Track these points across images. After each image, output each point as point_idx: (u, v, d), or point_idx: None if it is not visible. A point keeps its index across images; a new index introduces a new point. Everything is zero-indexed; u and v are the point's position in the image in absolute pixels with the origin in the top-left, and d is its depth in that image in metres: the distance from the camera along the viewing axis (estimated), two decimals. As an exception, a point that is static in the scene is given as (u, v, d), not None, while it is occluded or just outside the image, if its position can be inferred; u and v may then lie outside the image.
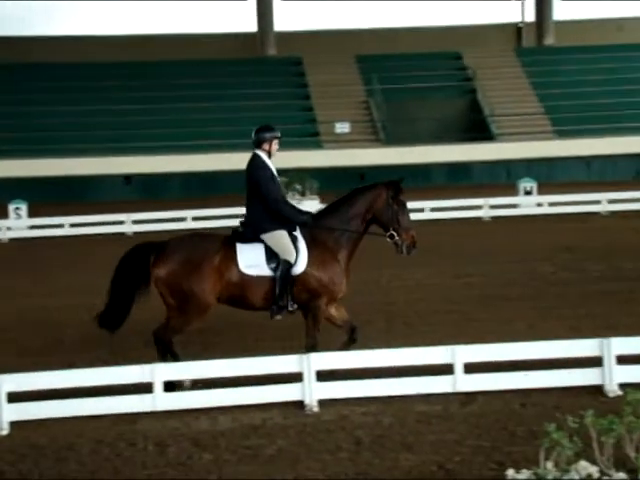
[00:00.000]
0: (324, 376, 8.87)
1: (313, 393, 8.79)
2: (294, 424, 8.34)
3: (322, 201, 26.12)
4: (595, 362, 8.93)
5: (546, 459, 5.74)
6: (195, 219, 24.12)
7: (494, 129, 35.36)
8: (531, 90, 37.40)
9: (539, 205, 25.20)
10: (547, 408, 8.33)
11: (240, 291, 9.38)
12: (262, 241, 9.47)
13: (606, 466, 5.69)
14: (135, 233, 23.48)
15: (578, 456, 5.77)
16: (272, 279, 9.38)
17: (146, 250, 9.60)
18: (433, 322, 12.09)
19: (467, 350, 9.05)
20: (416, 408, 8.63)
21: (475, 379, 9.01)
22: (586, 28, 39.86)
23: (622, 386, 8.65)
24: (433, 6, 42.39)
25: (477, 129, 35.91)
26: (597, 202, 24.79)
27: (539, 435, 6.21)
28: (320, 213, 9.90)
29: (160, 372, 8.85)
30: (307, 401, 8.78)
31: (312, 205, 25.67)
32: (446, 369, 8.98)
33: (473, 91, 37.54)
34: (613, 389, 8.78)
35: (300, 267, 9.42)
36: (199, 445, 7.93)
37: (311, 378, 8.79)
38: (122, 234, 23.53)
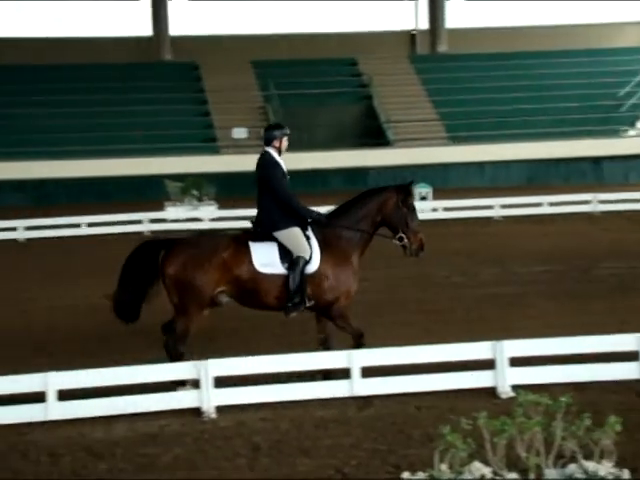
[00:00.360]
0: (222, 382, 8.84)
1: (211, 400, 8.75)
2: (191, 431, 8.29)
3: (220, 207, 26.07)
4: (488, 364, 9.10)
5: (441, 461, 5.83)
6: (90, 225, 23.83)
7: (390, 135, 35.74)
8: (426, 96, 37.92)
9: (434, 210, 25.52)
10: (442, 411, 8.45)
11: (253, 289, 9.42)
12: (274, 240, 9.52)
13: (499, 467, 5.79)
14: (28, 239, 23.07)
15: (472, 457, 5.87)
16: (285, 277, 9.41)
17: (155, 247, 9.64)
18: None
19: (364, 354, 9.13)
20: (314, 413, 8.65)
21: (372, 383, 9.08)
22: (479, 36, 40.58)
23: (514, 388, 8.82)
24: (329, 12, 42.65)
25: (373, 135, 36.25)
26: (490, 207, 25.24)
27: (434, 437, 6.30)
28: (331, 213, 9.94)
29: (54, 381, 8.69)
30: (204, 408, 8.73)
31: (209, 211, 25.64)
32: (344, 373, 9.04)
33: (369, 97, 37.88)
34: (506, 391, 8.95)
35: (314, 265, 9.48)
36: (94, 454, 7.80)
37: (208, 385, 8.75)
38: (15, 240, 23.08)
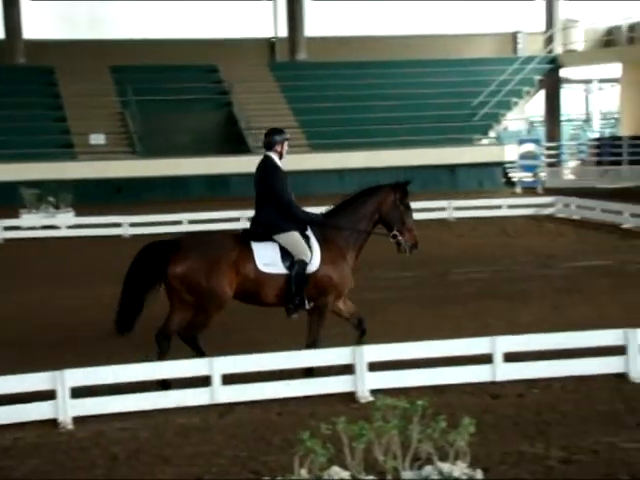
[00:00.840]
0: (80, 392, 8.67)
1: (67, 410, 8.57)
2: (47, 443, 8.10)
3: (77, 214, 25.58)
4: (348, 369, 9.20)
5: (301, 466, 5.86)
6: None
7: (251, 142, 35.75)
8: (285, 104, 38.10)
9: (295, 217, 25.65)
10: (302, 416, 8.50)
11: (255, 288, 9.59)
12: (274, 240, 9.69)
13: (357, 470, 5.86)
14: None
15: (331, 462, 5.92)
16: (286, 277, 9.61)
17: (160, 248, 9.65)
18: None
19: (225, 362, 9.09)
20: (174, 421, 8.58)
21: (233, 390, 9.07)
22: (339, 44, 40.99)
23: (374, 392, 8.94)
24: (189, 19, 42.37)
25: (234, 142, 36.19)
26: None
27: (294, 443, 6.32)
28: (330, 213, 10.11)
29: None
30: (61, 419, 8.54)
31: (66, 219, 25.12)
32: (205, 381, 8.99)
33: (229, 104, 37.82)
34: (365, 395, 9.07)
35: (314, 266, 9.68)
36: (-55, 470, 7.55)
37: (65, 395, 8.57)
38: None
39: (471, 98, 38.00)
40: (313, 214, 9.98)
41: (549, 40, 40.77)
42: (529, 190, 32.22)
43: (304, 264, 9.64)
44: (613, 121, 45.91)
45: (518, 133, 39.90)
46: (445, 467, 5.80)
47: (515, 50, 42.90)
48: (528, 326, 11.32)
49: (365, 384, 9.13)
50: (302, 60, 40.69)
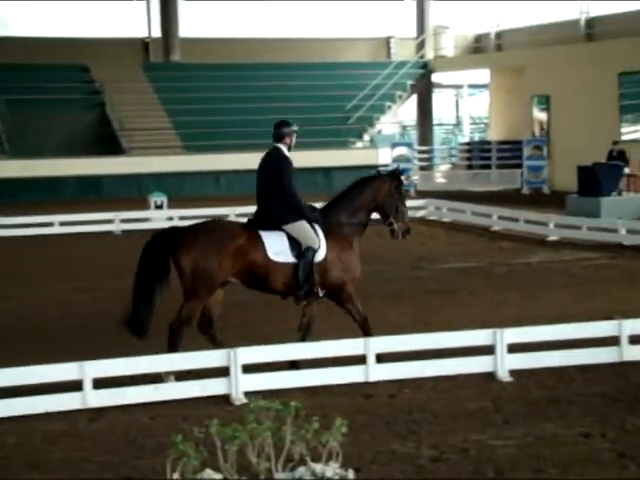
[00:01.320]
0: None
1: None
2: None
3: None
4: (223, 372, 9.16)
5: (173, 470, 5.81)
6: None
7: (124, 143, 35.26)
8: (160, 105, 37.70)
9: (170, 219, 25.44)
10: (176, 420, 8.43)
11: (264, 275, 9.82)
12: (282, 229, 9.89)
13: (229, 473, 5.85)
14: None
15: (204, 465, 5.89)
16: (294, 266, 9.83)
17: (169, 234, 9.88)
18: (63, 337, 11.82)
19: (93, 366, 8.93)
20: (43, 427, 8.39)
21: (104, 394, 8.92)
22: (214, 46, 40.71)
23: (248, 394, 8.93)
24: (62, 17, 41.52)
25: (107, 143, 35.61)
26: (226, 216, 25.45)
27: (167, 447, 6.26)
28: (330, 204, 10.35)
29: None
30: None
31: None
32: (76, 385, 8.82)
33: (102, 104, 37.21)
34: (239, 398, 9.05)
35: (321, 254, 9.91)
36: None
37: None
38: None
39: (345, 102, 38.33)
40: (313, 212, 10.15)
41: (420, 45, 41.46)
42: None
43: (313, 251, 9.89)
44: (483, 126, 46.99)
45: (391, 137, 40.45)
46: (318, 468, 5.83)
47: (388, 55, 43.47)
48: (400, 327, 11.48)
49: (239, 386, 9.11)
50: (176, 61, 40.32)
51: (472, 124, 48.29)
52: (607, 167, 24.43)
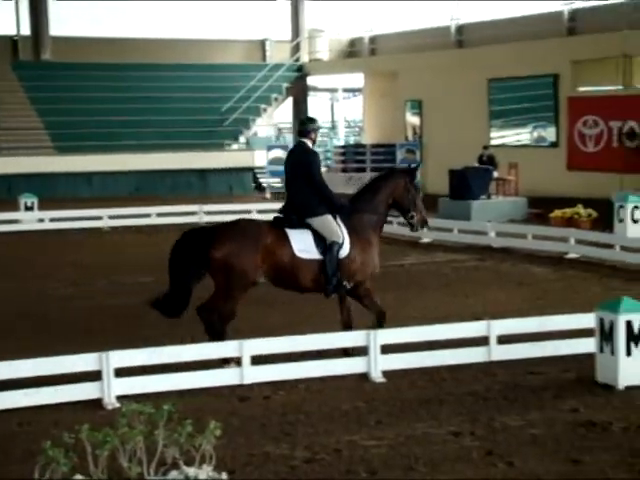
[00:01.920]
0: None
1: None
2: None
3: None
4: (94, 376, 9.02)
5: (42, 477, 5.69)
6: None
7: (-7, 142, 34.41)
8: (29, 105, 36.88)
9: (40, 221, 24.94)
10: (46, 425, 8.24)
11: (291, 273, 10.17)
12: (307, 226, 10.24)
13: (100, 478, 5.76)
14: None
15: (74, 470, 5.79)
16: (320, 262, 10.18)
17: (200, 235, 10.25)
18: None
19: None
20: None
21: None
22: (86, 45, 40.01)
23: (121, 398, 8.81)
24: None
25: (-25, 142, 34.70)
26: (99, 218, 25.09)
27: (36, 453, 6.12)
28: (351, 199, 10.74)
29: None
30: None
31: None
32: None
33: (-30, 103, 36.19)
34: (112, 402, 8.92)
35: (345, 249, 10.27)
36: None
37: None
38: None
39: (221, 103, 38.22)
40: (341, 200, 10.56)
41: (296, 48, 41.66)
42: (278, 195, 32.80)
43: (338, 246, 10.22)
44: (357, 129, 47.47)
45: (267, 139, 40.53)
46: (190, 471, 5.80)
47: (264, 57, 43.54)
48: (275, 329, 11.51)
49: (112, 390, 8.98)
50: (47, 60, 39.49)
51: (347, 127, 48.76)
52: (477, 171, 25.03)
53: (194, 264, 10.14)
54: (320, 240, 10.26)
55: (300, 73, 41.07)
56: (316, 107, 47.75)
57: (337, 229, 10.33)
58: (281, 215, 10.55)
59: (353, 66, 41.06)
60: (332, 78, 43.79)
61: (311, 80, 42.25)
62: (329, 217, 10.34)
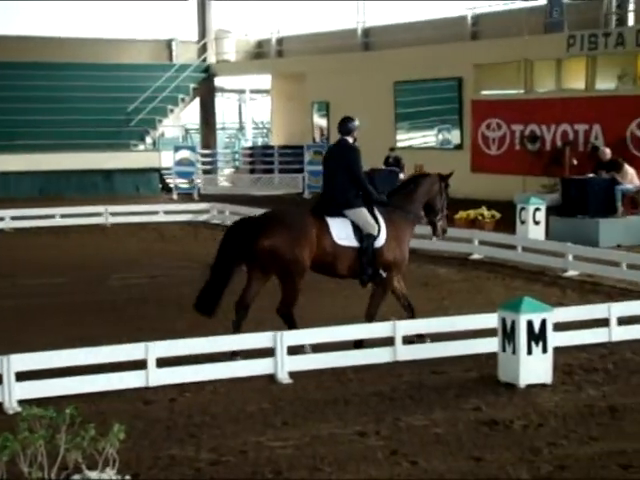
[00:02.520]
0: None
1: None
2: None
3: None
4: (-6, 380, 8.84)
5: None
6: None
7: None
8: None
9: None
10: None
11: (332, 260, 10.62)
12: (344, 216, 10.67)
13: (0, 484, 5.66)
14: None
15: (-27, 477, 5.67)
16: (357, 250, 10.63)
17: (248, 225, 10.57)
18: None
19: None
20: None
21: None
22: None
23: (23, 402, 8.63)
24: None
25: None
26: (1, 219, 24.60)
27: None
28: (389, 195, 11.19)
29: None
30: None
31: None
32: None
33: None
34: (13, 406, 8.74)
35: (381, 240, 10.71)
36: None
37: None
38: None
39: (127, 103, 37.82)
40: (379, 195, 11.01)
41: (203, 49, 41.45)
42: (185, 196, 32.61)
43: (373, 238, 10.67)
44: (265, 131, 47.48)
45: (174, 140, 40.24)
46: (93, 475, 5.72)
47: (170, 57, 43.21)
48: (183, 332, 11.43)
49: (13, 395, 8.80)
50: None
51: (255, 129, 48.72)
52: (384, 173, 25.24)
53: (241, 255, 10.49)
54: (357, 229, 10.75)
55: (207, 74, 40.89)
56: (224, 108, 47.66)
57: (372, 221, 10.79)
58: (321, 204, 11.01)
59: (260, 67, 41.07)
60: (240, 79, 43.72)
61: (218, 81, 42.11)
62: (364, 210, 10.80)
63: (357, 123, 11.25)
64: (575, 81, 27.85)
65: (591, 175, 20.09)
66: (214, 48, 41.75)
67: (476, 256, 18.41)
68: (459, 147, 30.84)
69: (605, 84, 27.49)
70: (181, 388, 9.38)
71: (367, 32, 36.64)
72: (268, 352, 9.85)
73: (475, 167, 29.86)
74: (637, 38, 25.51)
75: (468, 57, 30.01)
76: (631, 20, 28.66)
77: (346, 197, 10.77)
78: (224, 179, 38.35)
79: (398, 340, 10.39)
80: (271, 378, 9.73)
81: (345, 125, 11.19)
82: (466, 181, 29.45)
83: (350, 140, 11.20)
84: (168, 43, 43.63)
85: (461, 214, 22.18)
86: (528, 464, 7.22)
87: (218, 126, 44.31)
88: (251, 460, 7.34)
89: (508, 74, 29.45)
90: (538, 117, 27.92)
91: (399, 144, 31.44)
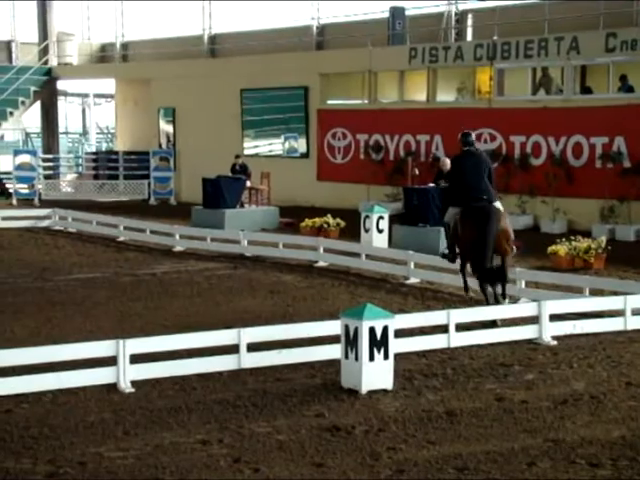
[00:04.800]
0: None
1: None
2: None
3: None
4: None
5: None
6: None
7: None
8: None
9: None
10: None
11: (498, 240, 13.13)
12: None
13: None
14: None
15: None
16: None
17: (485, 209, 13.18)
18: None
19: None
20: None
21: None
22: None
23: None
24: None
25: None
26: None
27: None
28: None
29: None
30: None
31: None
32: None
33: None
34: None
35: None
36: None
37: None
38: None
39: None
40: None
41: (44, 51, 40.43)
42: (25, 202, 31.78)
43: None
44: (110, 136, 46.72)
45: (14, 144, 39.12)
46: None
47: (10, 59, 41.97)
48: (22, 340, 11.13)
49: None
50: None
51: (99, 134, 47.89)
52: (231, 180, 25.21)
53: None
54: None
55: (49, 77, 39.90)
56: (67, 112, 46.65)
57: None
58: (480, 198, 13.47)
59: (104, 71, 40.42)
60: (83, 83, 42.87)
61: (61, 84, 41.16)
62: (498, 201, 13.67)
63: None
64: (417, 93, 28.49)
65: (432, 185, 20.56)
66: (56, 50, 40.77)
67: (321, 263, 18.61)
68: (305, 155, 31.09)
69: (445, 96, 28.25)
70: (18, 399, 9.12)
71: (213, 39, 36.57)
72: (110, 361, 9.68)
73: (321, 176, 30.18)
74: (475, 53, 26.31)
75: (314, 66, 30.31)
76: (469, 35, 29.54)
77: (492, 193, 13.49)
78: (66, 185, 37.51)
79: (243, 348, 10.39)
80: (113, 387, 9.57)
81: (470, 137, 13.85)
82: (312, 189, 29.82)
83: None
84: (7, 44, 42.34)
85: (307, 222, 22.38)
86: (369, 468, 7.33)
87: (61, 130, 43.30)
88: (90, 471, 7.20)
89: (353, 84, 29.89)
90: (382, 127, 28.43)
91: (246, 152, 31.47)
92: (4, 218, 25.70)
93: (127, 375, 9.67)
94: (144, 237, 22.43)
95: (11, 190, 33.14)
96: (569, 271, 16.20)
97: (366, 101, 29.53)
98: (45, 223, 25.78)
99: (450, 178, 14.20)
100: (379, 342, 9.47)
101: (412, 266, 16.80)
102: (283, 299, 15.07)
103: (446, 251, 14.24)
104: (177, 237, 21.46)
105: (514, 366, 10.68)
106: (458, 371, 10.46)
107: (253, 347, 10.53)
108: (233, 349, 10.40)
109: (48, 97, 40.19)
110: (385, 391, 9.50)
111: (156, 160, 33.44)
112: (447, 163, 20.83)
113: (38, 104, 40.39)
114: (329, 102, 30.56)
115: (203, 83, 33.32)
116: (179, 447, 7.79)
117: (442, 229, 16.95)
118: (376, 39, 29.02)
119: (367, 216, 20.42)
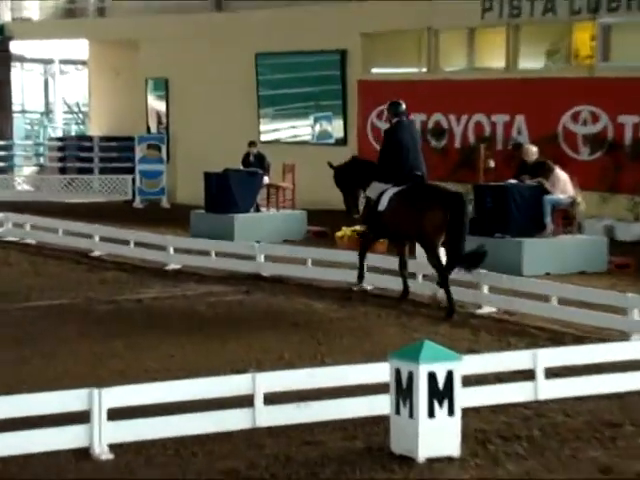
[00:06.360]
0: None
1: None
2: None
3: None
4: None
5: None
6: None
7: None
8: None
9: None
10: None
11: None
12: None
13: None
14: None
15: None
16: None
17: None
18: None
19: None
20: None
21: None
22: None
23: None
24: None
25: None
26: None
27: None
28: None
29: None
30: None
31: None
32: None
33: None
34: None
35: None
36: None
37: None
38: None
39: None
40: None
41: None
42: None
43: None
44: (81, 116, 46.91)
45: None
46: None
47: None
48: None
49: None
50: None
51: (67, 113, 48.13)
52: (242, 176, 25.18)
53: None
54: None
55: (0, 36, 40.15)
56: (24, 84, 46.88)
57: None
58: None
59: (74, 30, 40.48)
60: (46, 45, 43.02)
61: (16, 47, 41.37)
62: None
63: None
64: (493, 58, 28.43)
65: (512, 181, 20.50)
66: (9, 2, 41.09)
67: (364, 287, 18.51)
68: (342, 142, 31.08)
69: (531, 63, 28.15)
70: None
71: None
72: (80, 417, 9.68)
73: (363, 168, 30.12)
74: (572, 3, 26.19)
75: (354, 23, 30.28)
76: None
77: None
78: (24, 181, 37.82)
79: (259, 399, 10.34)
80: (85, 453, 9.58)
81: (402, 108, 16.25)
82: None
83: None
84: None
85: (344, 231, 22.43)
86: None
87: (16, 109, 43.59)
88: None
89: (407, 47, 29.91)
90: (445, 104, 28.39)
91: (262, 137, 31.54)
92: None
93: (103, 436, 9.64)
94: (127, 251, 22.50)
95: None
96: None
97: (424, 69, 29.53)
98: (-5, 232, 25.97)
99: (383, 152, 16.51)
100: (441, 392, 9.43)
101: (486, 290, 16.74)
102: (312, 334, 15.07)
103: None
104: (171, 251, 21.50)
105: (625, 426, 10.61)
106: (548, 433, 10.40)
107: (272, 399, 10.51)
108: (246, 401, 10.38)
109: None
110: (450, 459, 9.46)
111: (143, 149, 33.58)
112: (533, 152, 20.76)
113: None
114: (374, 71, 30.58)
115: (206, 46, 33.41)
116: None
117: (523, 240, 18.93)
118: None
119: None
